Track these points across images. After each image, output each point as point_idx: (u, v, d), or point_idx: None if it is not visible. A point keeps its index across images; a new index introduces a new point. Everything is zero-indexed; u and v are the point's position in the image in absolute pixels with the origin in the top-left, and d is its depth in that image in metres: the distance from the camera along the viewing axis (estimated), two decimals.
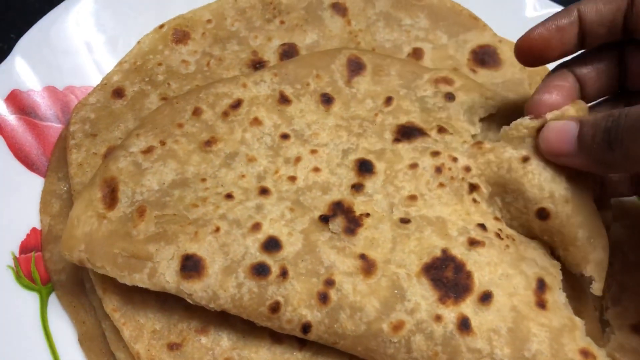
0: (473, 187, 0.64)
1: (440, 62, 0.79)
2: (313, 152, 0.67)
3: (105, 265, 0.59)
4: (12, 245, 0.69)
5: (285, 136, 0.68)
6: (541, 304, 0.58)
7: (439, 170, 0.65)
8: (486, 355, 0.56)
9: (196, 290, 0.58)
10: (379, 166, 0.66)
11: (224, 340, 0.62)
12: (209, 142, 0.67)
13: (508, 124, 0.65)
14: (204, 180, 0.65)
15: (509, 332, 0.57)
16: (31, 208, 0.72)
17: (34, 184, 0.73)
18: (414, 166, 0.65)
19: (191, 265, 0.59)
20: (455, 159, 0.65)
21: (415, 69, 0.74)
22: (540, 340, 0.56)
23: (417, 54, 0.80)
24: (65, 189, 0.73)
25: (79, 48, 0.79)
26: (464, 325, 0.57)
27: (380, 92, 0.72)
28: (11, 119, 0.73)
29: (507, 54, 0.80)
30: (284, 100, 0.70)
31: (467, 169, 0.64)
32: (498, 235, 0.62)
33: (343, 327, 0.57)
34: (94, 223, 0.61)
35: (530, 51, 0.62)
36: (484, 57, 0.80)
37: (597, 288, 0.60)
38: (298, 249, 0.60)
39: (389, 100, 0.71)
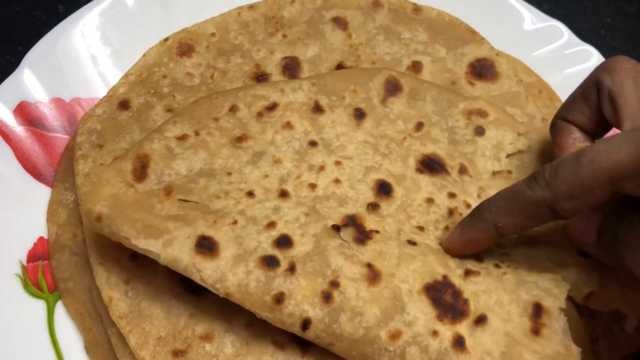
0: None
1: (439, 75, 0.81)
2: (337, 163, 0.69)
3: (124, 224, 0.61)
4: (20, 254, 0.70)
5: (313, 143, 0.70)
6: (536, 331, 0.59)
7: (451, 212, 0.67)
8: None
9: (206, 268, 0.59)
10: (398, 191, 0.68)
11: (228, 347, 0.63)
12: (240, 139, 0.69)
13: (539, 162, 0.69)
14: (229, 174, 0.67)
15: (501, 355, 0.58)
16: (38, 217, 0.73)
17: (42, 194, 0.74)
18: (430, 201, 0.68)
19: (206, 244, 0.60)
20: (469, 205, 0.68)
21: (451, 97, 0.75)
22: None
23: (416, 67, 0.82)
24: (72, 198, 0.74)
25: (85, 60, 0.81)
26: (459, 343, 0.58)
27: (413, 116, 0.73)
28: (19, 130, 0.75)
29: (504, 67, 0.82)
30: (318, 109, 0.72)
31: None
32: (497, 266, 0.63)
33: (342, 329, 0.59)
34: (121, 187, 0.63)
35: (455, 254, 0.64)
36: (482, 70, 0.82)
37: (630, 324, 0.60)
38: (308, 249, 0.62)
39: (419, 126, 0.73)
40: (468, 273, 0.62)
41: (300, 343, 0.63)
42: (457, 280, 0.61)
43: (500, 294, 0.61)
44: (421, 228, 0.66)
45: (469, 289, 0.61)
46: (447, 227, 0.66)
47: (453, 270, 0.62)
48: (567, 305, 0.61)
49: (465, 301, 0.60)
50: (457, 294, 0.60)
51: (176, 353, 0.63)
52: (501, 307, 0.60)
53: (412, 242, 0.64)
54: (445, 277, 0.61)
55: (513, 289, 0.61)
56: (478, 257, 0.64)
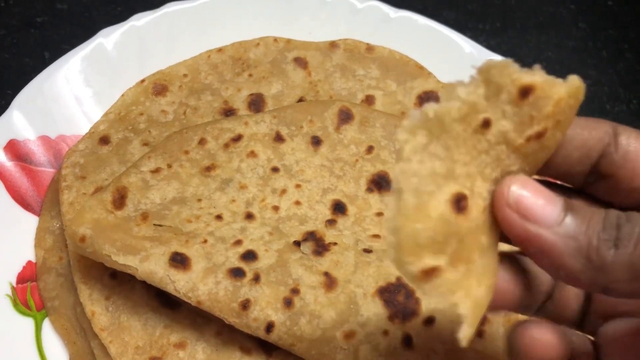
0: None
1: (390, 106, 0.89)
2: (297, 186, 0.76)
3: (105, 243, 0.68)
4: (10, 276, 0.76)
5: (275, 169, 0.78)
6: (479, 334, 0.66)
7: None
8: None
9: (180, 279, 0.67)
10: (351, 209, 0.75)
11: (199, 354, 0.70)
12: (209, 168, 0.77)
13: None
14: (200, 200, 0.74)
15: (445, 353, 0.65)
16: (27, 243, 0.79)
17: (30, 222, 0.80)
18: (380, 214, 0.75)
19: (179, 259, 0.67)
20: None
21: (398, 123, 0.82)
22: None
23: (369, 100, 0.90)
24: (58, 225, 0.80)
25: (69, 101, 0.87)
26: (407, 342, 0.65)
27: (364, 140, 0.81)
28: (9, 165, 0.81)
29: None
30: (279, 138, 0.80)
31: None
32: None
33: (302, 331, 0.66)
34: (102, 213, 0.71)
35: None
36: (429, 101, 0.90)
37: (465, 335, 0.40)
38: (272, 262, 0.69)
39: (370, 149, 0.81)
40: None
41: (265, 348, 0.70)
42: None
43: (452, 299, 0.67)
44: (377, 236, 0.73)
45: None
46: None
47: None
48: None
49: (417, 300, 0.67)
50: (409, 294, 0.67)
51: None
52: (451, 310, 0.66)
53: (368, 250, 0.71)
54: (399, 279, 0.68)
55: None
56: None
